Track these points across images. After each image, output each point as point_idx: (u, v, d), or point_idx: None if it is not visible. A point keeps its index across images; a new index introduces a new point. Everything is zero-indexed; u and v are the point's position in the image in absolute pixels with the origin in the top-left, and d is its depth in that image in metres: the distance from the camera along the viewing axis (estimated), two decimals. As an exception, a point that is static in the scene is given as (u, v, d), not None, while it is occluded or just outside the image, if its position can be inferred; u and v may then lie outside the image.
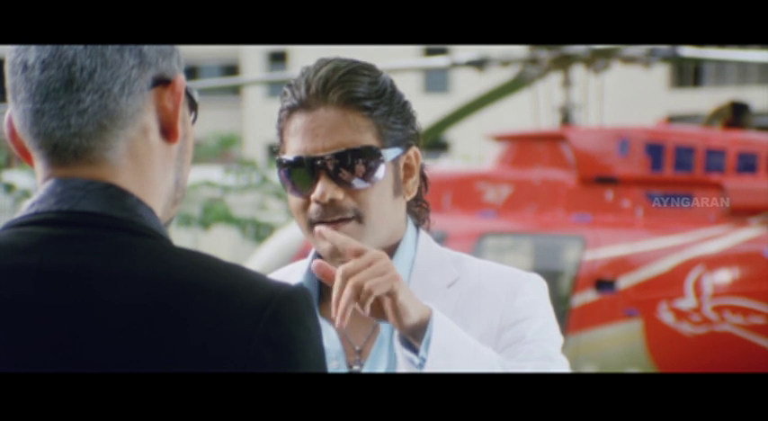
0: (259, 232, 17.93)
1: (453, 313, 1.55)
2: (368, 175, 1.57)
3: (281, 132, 1.63)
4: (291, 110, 1.60)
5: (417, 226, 1.67)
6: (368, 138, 1.57)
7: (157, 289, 0.99)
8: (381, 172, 1.58)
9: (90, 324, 0.98)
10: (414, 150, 1.64)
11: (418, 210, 1.67)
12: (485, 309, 1.58)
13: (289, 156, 1.59)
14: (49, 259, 1.01)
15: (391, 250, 1.62)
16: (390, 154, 1.59)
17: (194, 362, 0.97)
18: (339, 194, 1.56)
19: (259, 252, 7.75)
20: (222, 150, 19.70)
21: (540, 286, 1.63)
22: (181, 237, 18.57)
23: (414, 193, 1.64)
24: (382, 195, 1.58)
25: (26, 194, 16.75)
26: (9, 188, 17.16)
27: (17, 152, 1.11)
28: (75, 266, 1.01)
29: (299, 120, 1.59)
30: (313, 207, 1.58)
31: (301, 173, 1.58)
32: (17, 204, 17.03)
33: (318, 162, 1.57)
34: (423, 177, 1.67)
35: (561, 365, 1.57)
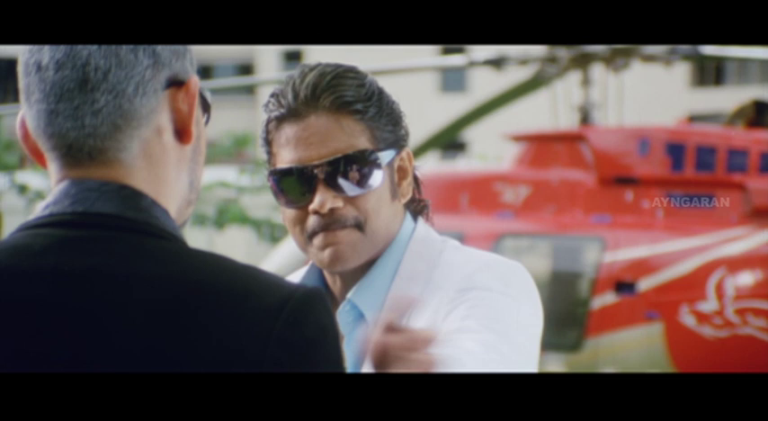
0: (274, 233, 17.95)
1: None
2: (366, 181, 1.54)
3: (268, 143, 1.59)
4: (280, 120, 1.56)
5: (416, 218, 1.62)
6: (362, 143, 1.55)
7: (173, 290, 1.00)
8: (379, 176, 1.55)
9: (106, 326, 0.99)
10: (406, 151, 1.61)
11: (416, 208, 1.63)
12: (434, 303, 1.49)
13: (282, 167, 1.56)
14: (64, 261, 1.02)
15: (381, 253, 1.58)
16: (386, 157, 1.56)
17: (211, 363, 0.98)
18: (339, 203, 1.54)
19: (273, 254, 7.76)
20: (236, 150, 19.73)
21: (501, 275, 1.50)
22: (195, 238, 18.61)
23: (409, 196, 1.61)
24: (381, 200, 1.56)
25: (40, 195, 16.81)
26: (22, 189, 17.23)
27: (30, 154, 1.12)
28: (90, 268, 1.01)
29: (289, 130, 1.55)
30: (312, 218, 1.55)
31: (296, 184, 1.55)
32: (30, 206, 17.10)
33: (315, 171, 1.53)
34: (415, 179, 1.63)
35: (508, 350, 1.41)
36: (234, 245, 19.84)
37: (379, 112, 1.57)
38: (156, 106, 1.08)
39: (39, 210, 1.07)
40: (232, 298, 1.00)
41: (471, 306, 1.46)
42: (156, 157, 1.08)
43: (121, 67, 1.06)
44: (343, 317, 1.55)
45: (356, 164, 1.54)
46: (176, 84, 1.09)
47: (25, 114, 1.09)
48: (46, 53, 1.06)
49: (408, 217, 1.63)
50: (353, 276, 1.58)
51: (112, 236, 1.03)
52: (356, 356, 1.52)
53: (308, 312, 1.00)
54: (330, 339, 1.02)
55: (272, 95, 1.58)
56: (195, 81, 1.10)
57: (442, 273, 1.54)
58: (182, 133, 1.09)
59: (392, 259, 1.58)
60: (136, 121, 1.07)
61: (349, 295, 1.56)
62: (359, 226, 1.55)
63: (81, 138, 1.06)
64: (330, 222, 1.54)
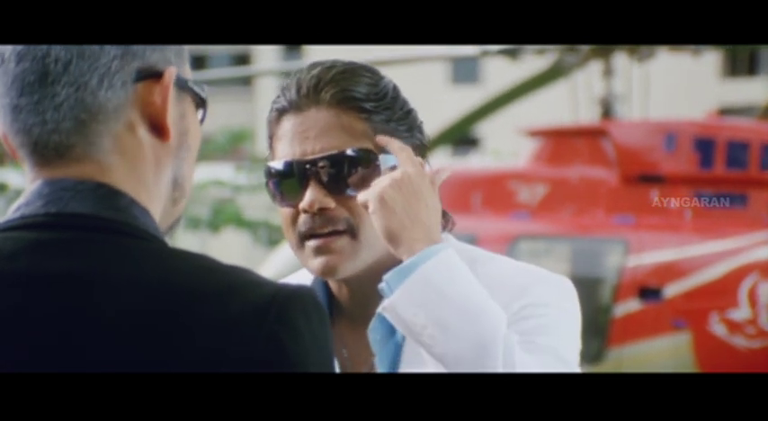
0: (272, 236, 17.97)
1: None
2: (363, 182, 1.54)
3: (270, 138, 1.61)
4: (281, 112, 1.58)
5: None
6: (363, 142, 1.55)
7: (155, 293, 1.00)
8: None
9: (83, 332, 0.99)
10: (419, 161, 1.59)
11: None
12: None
13: (276, 162, 1.58)
14: (36, 264, 1.02)
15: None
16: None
17: (197, 366, 0.98)
18: (330, 203, 1.54)
19: (271, 258, 7.77)
20: (232, 146, 19.74)
21: (557, 290, 1.55)
22: (188, 241, 18.65)
23: None
24: None
25: (19, 194, 16.82)
26: (1, 188, 17.26)
27: (11, 153, 1.12)
28: (65, 271, 1.01)
29: (287, 124, 1.57)
30: (302, 218, 1.55)
31: (290, 180, 1.56)
32: (10, 205, 17.11)
33: (308, 166, 1.54)
34: None
35: (571, 368, 1.51)
36: (229, 248, 19.87)
37: (390, 116, 1.57)
38: (125, 100, 1.07)
39: (10, 212, 1.07)
40: (216, 298, 1.01)
41: (532, 321, 1.51)
42: (131, 154, 1.08)
43: (84, 59, 1.06)
44: (373, 333, 1.56)
45: (353, 163, 1.54)
46: (151, 76, 1.09)
47: None
48: (9, 45, 1.06)
49: None
50: (362, 286, 1.59)
51: (89, 237, 1.03)
52: (388, 370, 1.53)
53: (295, 310, 1.01)
54: (318, 334, 1.03)
55: (280, 88, 1.60)
56: (171, 72, 1.09)
57: (486, 286, 1.54)
58: (158, 129, 1.09)
59: None
60: (102, 116, 1.07)
61: (379, 310, 1.55)
62: (351, 231, 1.54)
63: (45, 134, 1.06)
64: (321, 224, 1.54)
